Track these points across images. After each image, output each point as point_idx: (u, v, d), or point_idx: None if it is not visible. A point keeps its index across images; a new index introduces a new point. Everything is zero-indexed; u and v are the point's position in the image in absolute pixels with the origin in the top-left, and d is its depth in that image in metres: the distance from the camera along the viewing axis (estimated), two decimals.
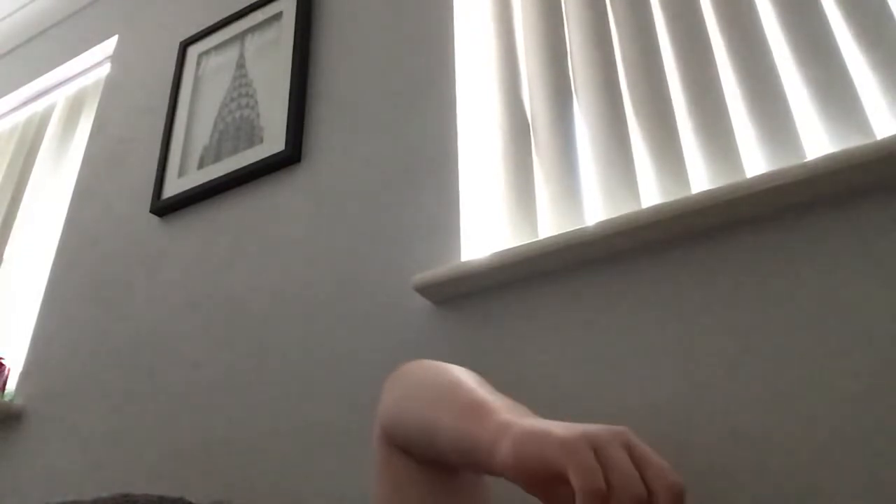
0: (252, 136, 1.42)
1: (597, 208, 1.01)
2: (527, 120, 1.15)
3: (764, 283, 0.81)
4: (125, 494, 0.95)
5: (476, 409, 0.54)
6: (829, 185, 0.79)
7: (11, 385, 1.59)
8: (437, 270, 0.99)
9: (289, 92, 1.40)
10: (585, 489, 0.41)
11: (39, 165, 1.99)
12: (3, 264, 1.84)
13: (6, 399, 1.54)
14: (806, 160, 0.82)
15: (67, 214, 1.73)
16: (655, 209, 0.86)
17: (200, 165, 1.48)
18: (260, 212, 1.34)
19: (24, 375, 1.53)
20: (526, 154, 1.11)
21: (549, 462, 0.43)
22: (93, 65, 2.08)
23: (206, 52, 1.67)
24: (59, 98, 2.12)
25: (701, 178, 0.94)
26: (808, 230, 0.81)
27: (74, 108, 2.04)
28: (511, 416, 0.51)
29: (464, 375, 0.62)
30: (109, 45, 2.02)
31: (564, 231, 0.97)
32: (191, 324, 1.30)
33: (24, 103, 2.19)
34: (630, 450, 0.43)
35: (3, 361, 1.57)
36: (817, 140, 0.88)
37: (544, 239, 0.93)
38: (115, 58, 1.96)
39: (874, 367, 0.72)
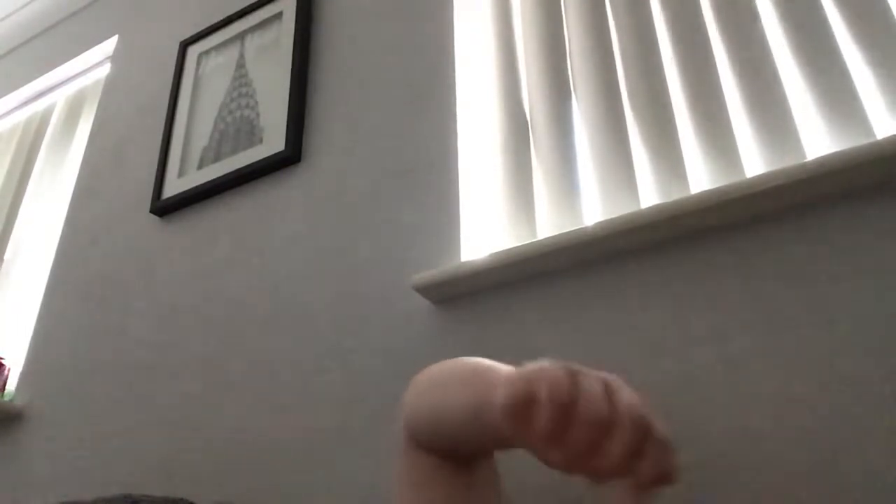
0: (252, 136, 1.42)
1: (596, 208, 1.01)
2: (526, 120, 1.15)
3: (764, 284, 0.81)
4: (126, 495, 0.95)
5: (479, 373, 0.55)
6: (829, 185, 0.79)
7: (11, 385, 1.59)
8: (436, 270, 0.99)
9: (289, 92, 1.40)
10: (551, 398, 0.42)
11: (39, 165, 1.99)
12: (3, 264, 1.84)
13: (6, 399, 1.54)
14: (806, 160, 0.82)
15: (67, 214, 1.73)
16: (655, 209, 0.86)
17: (200, 165, 1.48)
18: (260, 212, 1.34)
19: (24, 375, 1.53)
20: (525, 154, 1.11)
21: (530, 385, 0.44)
22: (93, 65, 2.08)
23: (206, 52, 1.67)
24: (59, 98, 2.12)
25: (701, 178, 0.94)
26: (808, 230, 0.81)
27: (74, 108, 2.04)
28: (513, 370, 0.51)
29: (479, 359, 0.63)
30: (109, 45, 2.02)
31: (563, 231, 0.97)
32: (190, 324, 1.30)
33: (24, 103, 2.19)
34: (608, 386, 0.44)
35: (3, 361, 1.57)
36: (817, 140, 0.88)
37: (543, 239, 0.93)
38: (115, 58, 1.96)
39: (874, 367, 0.72)
